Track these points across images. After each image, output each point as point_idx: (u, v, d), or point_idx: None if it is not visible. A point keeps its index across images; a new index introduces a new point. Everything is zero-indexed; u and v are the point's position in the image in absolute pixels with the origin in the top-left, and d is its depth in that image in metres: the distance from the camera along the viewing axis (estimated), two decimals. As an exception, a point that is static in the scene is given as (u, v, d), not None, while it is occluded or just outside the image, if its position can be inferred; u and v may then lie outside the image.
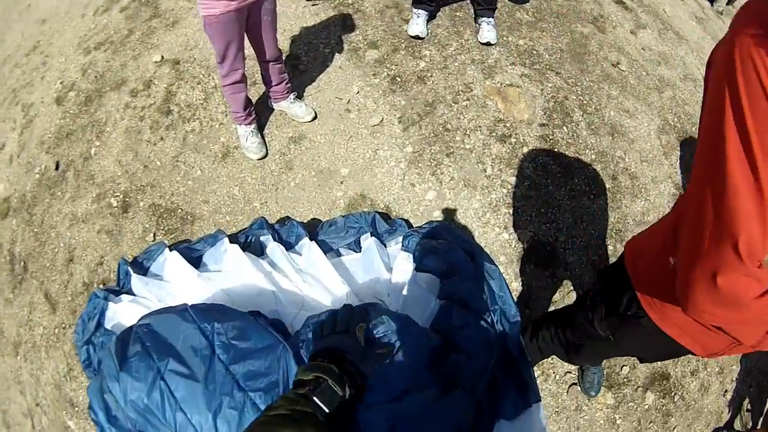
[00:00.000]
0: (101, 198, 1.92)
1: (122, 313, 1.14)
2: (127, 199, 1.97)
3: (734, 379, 2.38)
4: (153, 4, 2.70)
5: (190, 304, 0.91)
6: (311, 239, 1.46)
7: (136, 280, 1.15)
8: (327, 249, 1.58)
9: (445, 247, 1.26)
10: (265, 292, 1.34)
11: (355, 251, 1.57)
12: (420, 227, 1.37)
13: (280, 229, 1.66)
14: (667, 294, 0.81)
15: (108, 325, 1.19)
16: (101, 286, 1.75)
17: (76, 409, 1.59)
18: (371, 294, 1.33)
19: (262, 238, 1.46)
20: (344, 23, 2.32)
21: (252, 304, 1.31)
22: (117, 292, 1.31)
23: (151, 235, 1.95)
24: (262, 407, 0.72)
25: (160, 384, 0.71)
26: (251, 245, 1.54)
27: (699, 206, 0.55)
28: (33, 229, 1.97)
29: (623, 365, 1.99)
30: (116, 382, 0.72)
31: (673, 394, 2.11)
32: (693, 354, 0.91)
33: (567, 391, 1.83)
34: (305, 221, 1.88)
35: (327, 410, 0.54)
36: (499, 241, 1.81)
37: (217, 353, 0.81)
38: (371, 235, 1.45)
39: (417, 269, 1.21)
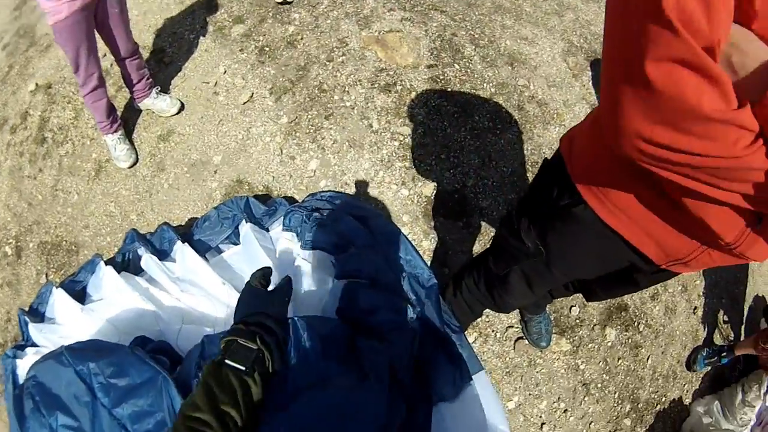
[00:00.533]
0: None
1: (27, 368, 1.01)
2: (19, 244, 1.92)
3: (701, 294, 2.23)
4: (30, 33, 2.56)
5: (65, 345, 0.85)
6: (185, 241, 1.28)
7: (33, 329, 1.17)
8: (206, 248, 1.42)
9: (333, 217, 1.11)
10: (146, 313, 1.27)
11: (235, 243, 1.38)
12: (303, 201, 1.23)
13: (152, 239, 1.49)
14: (607, 176, 0.67)
15: (22, 377, 1.10)
16: (13, 343, 1.60)
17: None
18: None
19: (137, 257, 1.29)
20: (209, 4, 2.15)
21: (136, 328, 1.21)
22: (23, 347, 1.20)
23: (44, 276, 1.83)
24: None
25: (52, 437, 0.66)
26: (129, 263, 1.39)
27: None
28: None
29: (571, 306, 1.81)
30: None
31: (636, 324, 1.96)
32: (646, 263, 0.74)
33: (514, 348, 1.66)
34: (183, 223, 1.68)
35: (244, 368, 0.54)
36: (399, 199, 1.61)
37: (98, 397, 0.78)
38: (247, 222, 1.26)
39: (303, 248, 1.07)
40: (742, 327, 2.45)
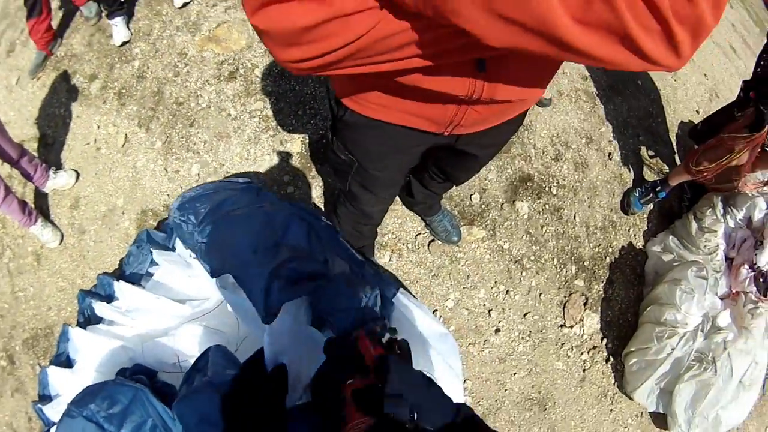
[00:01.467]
0: None
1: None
2: (9, 353, 2.11)
3: (610, 140, 2.30)
4: None
5: (69, 402, 1.00)
6: (119, 280, 1.50)
7: (47, 409, 1.28)
8: (138, 277, 1.63)
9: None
10: (115, 350, 1.37)
11: (157, 266, 1.59)
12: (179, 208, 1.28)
13: (97, 290, 1.72)
14: (353, 84, 0.78)
15: None
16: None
17: None
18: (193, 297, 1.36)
19: (93, 309, 1.51)
20: (65, 76, 2.32)
21: (114, 365, 1.38)
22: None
23: (38, 366, 2.03)
24: None
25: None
26: (90, 317, 1.62)
27: None
28: None
29: (471, 194, 1.95)
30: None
31: (547, 188, 2.06)
32: (435, 136, 0.82)
33: (429, 251, 1.80)
34: (117, 266, 1.89)
35: None
36: (275, 164, 1.79)
37: (105, 428, 0.90)
38: (153, 250, 1.46)
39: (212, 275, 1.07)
40: (675, 157, 2.45)
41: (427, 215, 1.76)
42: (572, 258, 1.99)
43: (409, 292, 1.82)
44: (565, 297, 1.94)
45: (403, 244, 1.81)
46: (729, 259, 1.79)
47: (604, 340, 1.92)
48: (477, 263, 1.86)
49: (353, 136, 0.92)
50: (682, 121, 2.62)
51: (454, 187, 1.84)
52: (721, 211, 1.82)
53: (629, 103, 2.53)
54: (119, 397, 0.93)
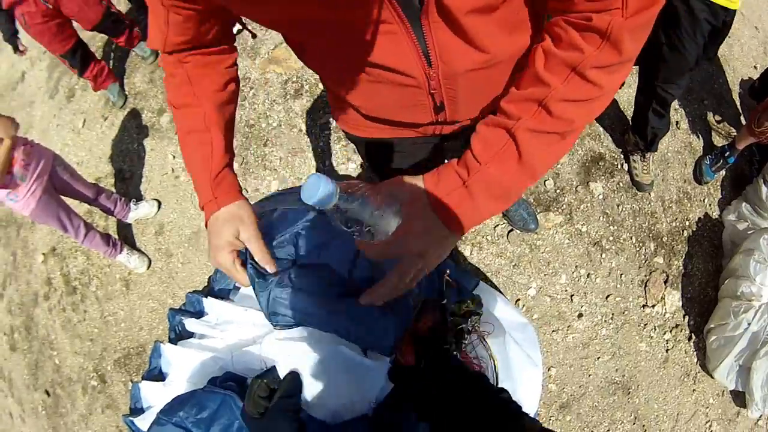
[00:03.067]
0: (86, 388, 2.33)
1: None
2: (100, 373, 2.38)
3: (676, 107, 2.30)
4: (12, 220, 3.06)
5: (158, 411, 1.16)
6: (207, 296, 1.62)
7: (138, 421, 1.43)
8: (226, 292, 1.74)
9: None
10: (206, 362, 1.53)
11: None
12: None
13: (187, 307, 1.85)
14: (339, 109, 0.87)
15: None
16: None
17: None
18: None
19: (183, 325, 1.63)
20: (134, 114, 2.61)
21: (205, 375, 1.49)
22: None
23: (130, 382, 2.29)
24: None
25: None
26: (181, 334, 1.74)
27: None
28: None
29: (545, 180, 2.01)
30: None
31: (619, 166, 2.10)
32: (433, 136, 0.84)
33: (509, 241, 1.90)
34: (206, 283, 2.04)
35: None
36: (350, 171, 1.91)
37: None
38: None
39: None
40: (741, 118, 2.42)
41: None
42: (650, 235, 2.03)
43: (492, 283, 1.89)
44: (645, 276, 1.98)
45: (483, 237, 1.90)
46: None
47: (686, 318, 1.94)
48: (557, 249, 1.93)
49: (367, 155, 0.99)
50: (742, 79, 2.60)
51: None
52: None
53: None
54: (208, 404, 0.99)
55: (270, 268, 0.75)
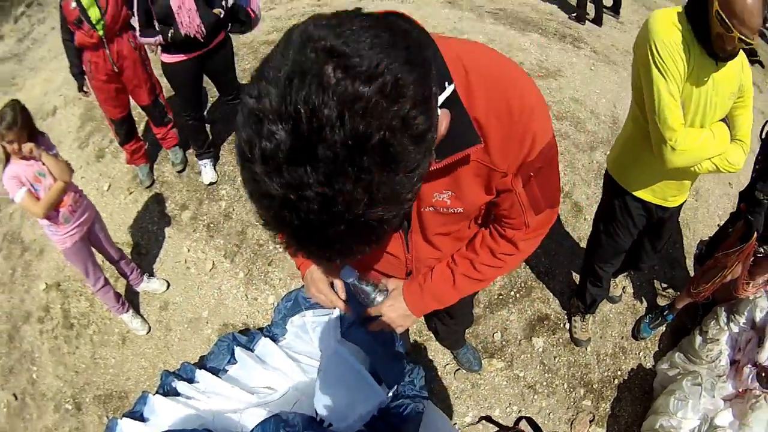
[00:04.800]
0: (58, 407, 2.63)
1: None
2: (76, 400, 2.64)
3: (626, 273, 2.58)
4: (18, 239, 3.40)
5: None
6: (200, 369, 1.93)
7: None
8: (216, 371, 2.17)
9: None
10: (189, 417, 1.66)
11: (234, 363, 2.22)
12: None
13: (180, 372, 2.28)
14: None
15: None
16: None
17: None
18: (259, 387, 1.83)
19: (173, 385, 1.88)
20: (157, 199, 3.17)
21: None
22: None
23: (105, 417, 2.58)
24: None
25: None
26: (168, 393, 1.94)
27: None
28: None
29: (493, 333, 2.55)
30: None
31: (562, 325, 2.55)
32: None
33: (455, 378, 2.41)
34: (196, 361, 2.62)
35: None
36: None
37: None
38: (236, 347, 1.91)
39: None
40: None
41: (453, 348, 2.40)
42: (582, 382, 2.41)
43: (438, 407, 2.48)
44: (573, 415, 2.34)
45: (434, 373, 2.41)
46: (736, 362, 1.95)
47: (611, 454, 2.26)
48: (495, 388, 2.39)
49: None
50: (701, 240, 2.81)
51: (479, 326, 2.53)
52: (725, 320, 2.01)
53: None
54: None
55: (343, 308, 1.15)
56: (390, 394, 1.26)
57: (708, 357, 1.98)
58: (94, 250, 2.50)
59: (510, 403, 2.33)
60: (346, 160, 0.40)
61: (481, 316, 2.62)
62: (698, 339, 2.06)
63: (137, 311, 2.81)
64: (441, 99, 0.64)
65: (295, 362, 1.57)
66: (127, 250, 3.05)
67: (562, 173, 3.20)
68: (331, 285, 1.10)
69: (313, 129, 0.39)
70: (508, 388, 2.36)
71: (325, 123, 0.39)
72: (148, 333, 2.75)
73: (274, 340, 1.72)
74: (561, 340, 2.49)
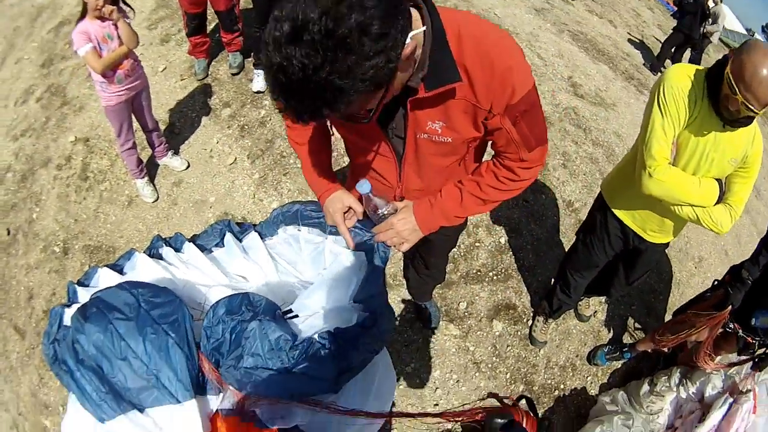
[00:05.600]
0: (47, 248, 2.88)
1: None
2: (66, 245, 2.88)
3: (601, 300, 2.79)
4: (61, 93, 3.65)
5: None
6: (189, 241, 2.19)
7: (81, 291, 1.61)
8: (202, 249, 2.39)
9: None
10: (164, 281, 1.73)
11: (221, 247, 2.40)
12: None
13: (170, 240, 2.49)
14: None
15: (67, 322, 1.49)
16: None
17: (50, 409, 2.48)
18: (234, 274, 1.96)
19: (160, 250, 1.95)
20: (205, 91, 3.43)
21: None
22: (69, 305, 1.72)
23: (87, 266, 2.84)
24: (171, 333, 1.24)
25: (110, 326, 1.20)
26: (153, 256, 2.30)
27: None
28: (-3, 281, 2.87)
29: (460, 301, 2.70)
30: (82, 333, 1.20)
31: (525, 320, 2.66)
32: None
33: (410, 328, 2.56)
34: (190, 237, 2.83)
35: None
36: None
37: (141, 304, 1.33)
38: (228, 233, 2.00)
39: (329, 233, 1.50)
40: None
41: (419, 300, 2.54)
42: (524, 379, 2.51)
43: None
44: None
45: (398, 317, 2.60)
46: (673, 428, 1.96)
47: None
48: (443, 351, 2.53)
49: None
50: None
51: (449, 291, 2.68)
52: (676, 381, 2.03)
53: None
54: (161, 295, 1.23)
55: (350, 243, 1.24)
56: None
57: (648, 408, 2.01)
58: (133, 117, 2.74)
59: (452, 371, 2.42)
60: (318, 44, 0.64)
61: (454, 282, 2.79)
62: (646, 387, 2.10)
63: (152, 180, 3.06)
64: (415, 32, 0.85)
65: (274, 261, 1.69)
66: (162, 127, 3.30)
67: (578, 192, 3.41)
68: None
69: (302, 24, 0.65)
70: (456, 356, 2.46)
71: (309, 21, 0.64)
72: (154, 202, 3.00)
73: (261, 237, 1.84)
74: (519, 333, 2.58)
